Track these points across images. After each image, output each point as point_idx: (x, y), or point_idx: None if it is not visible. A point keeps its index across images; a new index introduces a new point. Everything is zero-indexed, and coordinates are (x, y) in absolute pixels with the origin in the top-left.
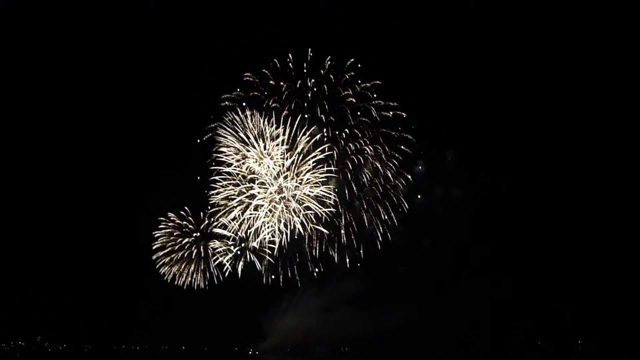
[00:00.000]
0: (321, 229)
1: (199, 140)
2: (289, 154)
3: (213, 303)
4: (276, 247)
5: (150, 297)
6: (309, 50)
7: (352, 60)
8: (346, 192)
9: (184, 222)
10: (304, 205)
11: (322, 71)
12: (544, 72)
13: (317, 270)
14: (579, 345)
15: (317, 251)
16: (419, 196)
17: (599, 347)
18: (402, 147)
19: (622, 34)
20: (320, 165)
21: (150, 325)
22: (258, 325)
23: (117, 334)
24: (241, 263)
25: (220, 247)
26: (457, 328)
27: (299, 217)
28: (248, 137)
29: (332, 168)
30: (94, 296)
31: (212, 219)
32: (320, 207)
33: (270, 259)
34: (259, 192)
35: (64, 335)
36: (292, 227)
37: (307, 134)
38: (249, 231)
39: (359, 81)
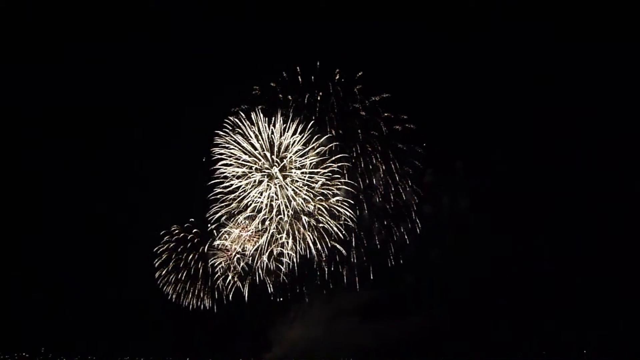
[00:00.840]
0: (335, 244)
1: (204, 159)
2: (298, 164)
3: (218, 314)
4: (285, 259)
5: (154, 308)
6: (317, 63)
7: (361, 73)
8: (356, 207)
9: (190, 236)
10: (315, 217)
11: (330, 84)
12: (552, 84)
13: (325, 289)
14: (584, 355)
15: (327, 267)
16: (423, 207)
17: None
18: (412, 160)
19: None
20: (334, 177)
21: (154, 336)
22: (264, 335)
23: (121, 345)
24: (248, 280)
25: (228, 264)
26: (460, 340)
27: (308, 232)
28: (255, 148)
29: (343, 180)
30: (98, 307)
31: (218, 234)
32: (332, 220)
33: (280, 274)
34: (267, 205)
35: (67, 346)
36: (302, 244)
37: (317, 147)
38: (256, 245)
39: (368, 94)
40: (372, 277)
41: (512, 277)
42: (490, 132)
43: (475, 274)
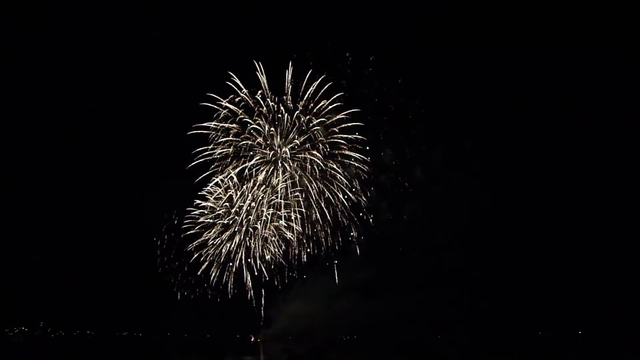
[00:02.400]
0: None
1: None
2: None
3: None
4: (291, 237)
5: (151, 285)
6: (328, 45)
7: (373, 57)
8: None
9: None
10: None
11: (340, 66)
12: (559, 68)
13: (329, 267)
14: (579, 336)
15: (331, 247)
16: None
17: (599, 338)
18: (421, 144)
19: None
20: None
21: (152, 313)
22: (264, 312)
23: (120, 321)
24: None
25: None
26: (460, 319)
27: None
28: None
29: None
30: (96, 285)
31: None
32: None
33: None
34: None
35: (65, 321)
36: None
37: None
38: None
39: (379, 78)
40: (375, 256)
41: (519, 256)
42: (498, 112)
43: (480, 254)
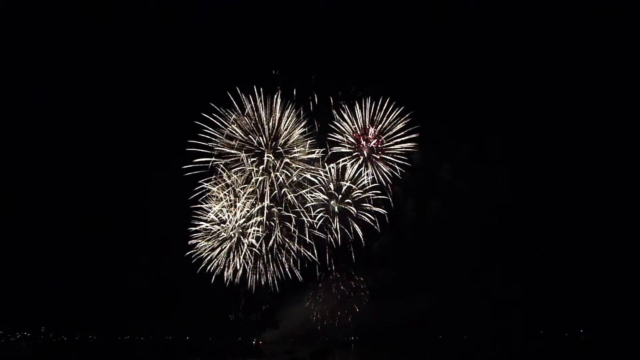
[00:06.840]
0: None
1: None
2: None
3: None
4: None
5: (155, 289)
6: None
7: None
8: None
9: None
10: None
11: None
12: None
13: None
14: (580, 334)
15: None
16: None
17: (600, 336)
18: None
19: None
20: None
21: (154, 316)
22: (271, 315)
23: (121, 325)
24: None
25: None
26: (461, 320)
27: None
28: None
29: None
30: (98, 289)
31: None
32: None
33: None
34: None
35: (67, 326)
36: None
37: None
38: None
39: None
40: (394, 256)
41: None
42: (524, 109)
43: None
